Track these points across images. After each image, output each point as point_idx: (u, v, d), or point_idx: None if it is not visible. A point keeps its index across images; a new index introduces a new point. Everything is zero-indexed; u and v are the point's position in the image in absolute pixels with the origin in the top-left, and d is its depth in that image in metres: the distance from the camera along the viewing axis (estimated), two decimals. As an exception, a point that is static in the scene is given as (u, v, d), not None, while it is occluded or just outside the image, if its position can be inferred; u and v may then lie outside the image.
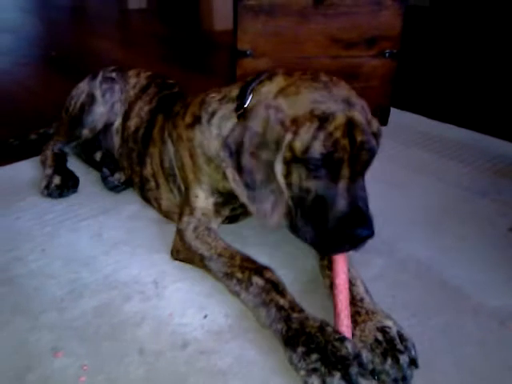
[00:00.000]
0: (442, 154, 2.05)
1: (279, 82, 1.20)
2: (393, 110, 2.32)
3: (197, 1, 4.67)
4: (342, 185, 1.09)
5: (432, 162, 1.99)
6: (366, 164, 1.13)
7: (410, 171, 1.90)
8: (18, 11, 5.54)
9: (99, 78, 1.82)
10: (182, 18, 5.02)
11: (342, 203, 1.08)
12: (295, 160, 1.10)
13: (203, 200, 1.37)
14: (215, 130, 1.33)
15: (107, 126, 1.80)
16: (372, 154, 1.12)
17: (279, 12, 2.08)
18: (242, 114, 1.24)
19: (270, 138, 1.12)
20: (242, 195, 1.17)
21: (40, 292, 1.25)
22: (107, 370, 1.02)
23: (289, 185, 1.14)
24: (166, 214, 1.56)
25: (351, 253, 1.22)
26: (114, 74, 1.84)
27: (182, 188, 1.46)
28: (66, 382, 1.00)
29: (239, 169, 1.16)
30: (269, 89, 1.20)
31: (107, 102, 1.78)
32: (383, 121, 2.28)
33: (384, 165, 1.89)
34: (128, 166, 1.70)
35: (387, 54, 2.14)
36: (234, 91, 1.32)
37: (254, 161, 1.14)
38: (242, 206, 1.39)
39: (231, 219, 1.46)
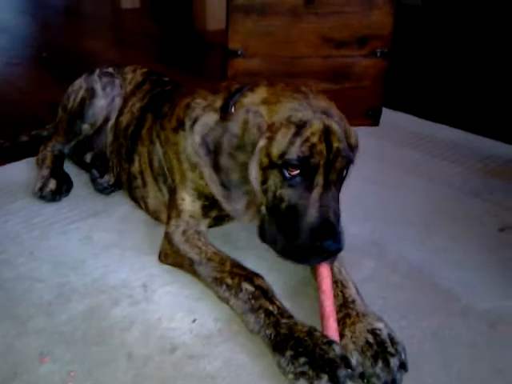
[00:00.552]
0: (434, 155, 2.05)
1: (262, 92, 1.23)
2: (384, 110, 2.32)
3: (190, 0, 4.65)
4: (315, 194, 1.10)
5: (424, 162, 1.99)
6: (341, 173, 1.15)
7: (402, 172, 1.90)
8: (11, 11, 5.49)
9: (97, 72, 1.80)
10: (175, 18, 5.00)
11: (312, 214, 1.09)
12: (271, 166, 1.13)
13: (190, 203, 1.36)
14: (198, 138, 1.32)
15: (104, 122, 1.77)
16: (348, 162, 1.15)
17: (270, 11, 2.07)
18: None
19: (247, 140, 1.15)
20: (217, 194, 1.21)
21: (28, 296, 1.23)
22: (95, 376, 1.01)
23: (264, 191, 1.16)
24: (154, 214, 1.55)
25: (342, 254, 1.22)
26: (111, 69, 1.83)
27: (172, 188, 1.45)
28: (52, 388, 0.99)
29: (216, 168, 1.19)
30: (252, 99, 1.22)
31: (108, 96, 1.75)
32: (375, 121, 2.28)
33: (375, 165, 1.90)
34: (117, 163, 1.69)
35: (378, 54, 2.14)
36: (219, 101, 1.32)
37: (231, 161, 1.17)
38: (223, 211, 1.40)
39: (217, 220, 1.45)
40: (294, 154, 1.09)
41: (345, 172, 1.19)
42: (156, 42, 4.15)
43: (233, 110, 1.25)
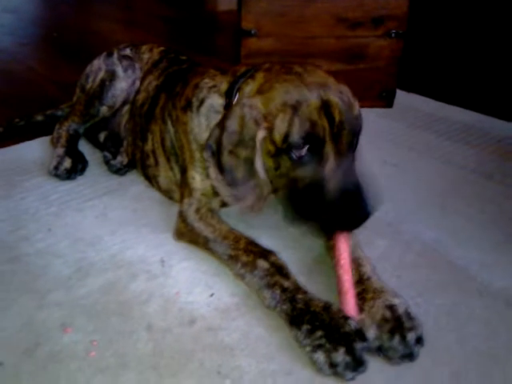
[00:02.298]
0: (448, 136, 2.04)
1: (259, 79, 1.21)
2: (398, 92, 2.30)
3: (200, -19, 4.61)
4: (329, 168, 1.09)
5: (437, 143, 1.98)
6: (350, 144, 1.13)
7: (416, 153, 1.89)
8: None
9: (115, 54, 1.79)
10: (185, -1, 4.95)
11: (331, 187, 1.08)
12: (278, 152, 1.12)
13: (200, 182, 1.37)
14: (204, 120, 1.34)
15: (122, 105, 1.77)
16: (354, 133, 1.13)
17: (285, -10, 2.05)
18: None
19: (246, 135, 1.14)
20: (225, 194, 1.21)
21: (47, 270, 1.25)
22: (116, 346, 1.04)
23: (278, 177, 1.15)
24: (166, 193, 1.56)
25: (357, 234, 1.24)
26: (128, 51, 1.82)
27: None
28: (75, 356, 1.01)
29: (220, 168, 1.19)
30: (250, 88, 1.22)
31: (129, 78, 1.73)
32: (389, 102, 2.27)
33: (389, 146, 1.89)
34: (132, 142, 1.69)
35: (393, 34, 2.12)
36: (224, 85, 1.32)
37: (233, 159, 1.17)
38: None
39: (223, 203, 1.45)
40: (295, 134, 1.08)
41: (354, 141, 1.16)
42: (167, 23, 4.13)
43: (236, 97, 1.25)
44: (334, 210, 1.08)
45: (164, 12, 4.52)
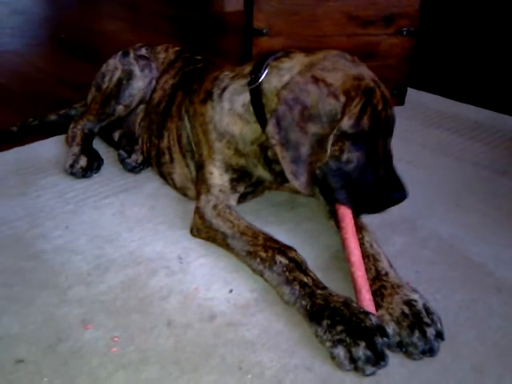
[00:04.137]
0: (460, 134, 2.04)
1: (300, 58, 1.24)
2: (409, 90, 2.30)
3: (207, -19, 4.61)
4: (380, 154, 1.17)
5: (450, 141, 1.98)
6: (392, 134, 1.22)
7: (429, 151, 1.89)
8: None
9: (132, 54, 1.80)
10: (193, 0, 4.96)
11: (381, 171, 1.17)
12: (343, 134, 1.15)
13: (218, 177, 1.37)
14: (227, 104, 1.34)
15: (138, 104, 1.78)
16: (394, 124, 1.22)
17: (295, -11, 2.05)
18: (257, 88, 1.26)
19: (322, 110, 1.13)
20: (288, 172, 1.18)
21: (66, 267, 1.26)
22: (137, 342, 1.04)
23: (330, 156, 1.17)
24: (181, 190, 1.57)
25: (373, 229, 1.27)
26: (144, 51, 1.82)
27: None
28: (97, 352, 1.02)
29: (287, 144, 1.16)
30: (291, 64, 1.23)
31: (146, 77, 1.74)
32: (400, 100, 2.27)
33: (402, 144, 1.89)
34: (147, 139, 1.70)
35: (405, 32, 2.11)
36: (247, 68, 1.34)
37: (301, 134, 1.15)
38: (253, 184, 1.42)
39: (241, 197, 1.45)
40: (365, 124, 1.14)
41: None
42: (173, 23, 4.14)
43: (265, 72, 1.25)
44: (380, 192, 1.17)
45: (170, 12, 4.53)
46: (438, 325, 1.02)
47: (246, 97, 1.30)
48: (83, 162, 1.67)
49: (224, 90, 1.36)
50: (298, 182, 1.18)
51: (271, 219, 1.46)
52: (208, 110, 1.38)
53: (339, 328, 0.99)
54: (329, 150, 1.15)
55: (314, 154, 1.16)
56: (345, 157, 1.17)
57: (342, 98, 1.12)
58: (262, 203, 1.52)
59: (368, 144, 1.16)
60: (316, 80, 1.14)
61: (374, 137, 1.16)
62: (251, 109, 1.30)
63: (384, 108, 1.16)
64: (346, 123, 1.13)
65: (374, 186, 1.17)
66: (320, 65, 1.18)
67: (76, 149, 1.72)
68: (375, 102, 1.14)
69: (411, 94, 2.32)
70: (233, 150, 1.35)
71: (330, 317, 1.01)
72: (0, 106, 2.26)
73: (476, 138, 2.00)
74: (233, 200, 1.39)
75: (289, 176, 1.19)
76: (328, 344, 0.99)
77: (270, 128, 1.17)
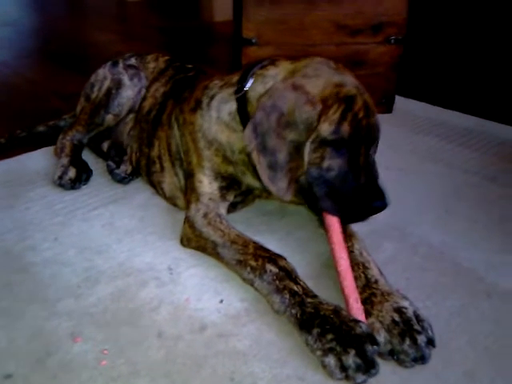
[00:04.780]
0: (449, 140, 2.06)
1: (285, 65, 1.25)
2: (397, 98, 2.32)
3: (196, -8, 4.65)
4: (360, 163, 1.17)
5: (439, 148, 2.00)
6: (376, 142, 1.22)
7: (418, 158, 1.91)
8: (16, 4, 5.49)
9: (121, 64, 1.80)
10: (182, 10, 4.99)
11: (362, 180, 1.16)
12: (322, 141, 1.15)
13: (207, 185, 1.37)
14: (214, 113, 1.35)
15: (127, 114, 1.78)
16: (379, 132, 1.22)
17: (284, -1, 2.07)
18: (243, 97, 1.28)
19: (298, 118, 1.14)
20: (264, 177, 1.19)
21: (55, 280, 1.25)
22: (127, 354, 1.03)
23: (309, 163, 1.18)
24: (170, 200, 1.56)
25: (363, 237, 1.28)
26: (133, 61, 1.83)
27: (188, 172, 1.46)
28: (87, 365, 1.01)
29: (263, 150, 1.18)
30: (276, 71, 1.24)
31: (135, 86, 1.75)
32: (388, 108, 2.29)
33: (391, 152, 1.91)
34: (137, 148, 1.70)
35: (393, 41, 2.14)
36: (235, 77, 1.35)
37: (278, 141, 1.16)
38: (243, 193, 1.43)
39: (231, 206, 1.45)
40: (346, 130, 1.13)
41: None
42: (162, 34, 4.15)
43: (251, 81, 1.26)
44: (360, 201, 1.16)
45: (160, 23, 4.55)
46: (429, 332, 1.02)
47: (232, 105, 1.31)
48: (72, 173, 1.66)
49: (212, 98, 1.37)
50: (276, 187, 1.19)
51: (262, 228, 1.46)
52: (197, 119, 1.38)
53: (329, 336, 0.99)
54: (306, 157, 1.16)
55: (293, 160, 1.16)
56: (326, 164, 1.17)
57: (319, 106, 1.13)
58: (252, 212, 1.52)
59: (349, 151, 1.16)
60: (295, 87, 1.15)
61: (356, 144, 1.16)
62: (237, 117, 1.31)
63: (366, 115, 1.16)
64: (326, 129, 1.13)
65: (354, 194, 1.16)
66: (302, 72, 1.19)
67: (65, 160, 1.71)
68: (356, 109, 1.14)
69: (399, 101, 2.35)
70: (221, 157, 1.36)
71: (320, 325, 1.01)
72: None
73: (465, 145, 2.02)
74: (223, 208, 1.38)
75: (265, 181, 1.20)
76: (318, 353, 0.99)
77: (247, 133, 1.19)
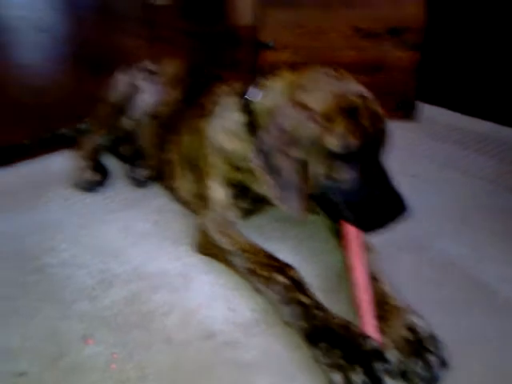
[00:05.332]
0: (466, 147, 2.03)
1: (286, 76, 1.22)
2: (419, 104, 2.29)
3: (222, -5, 4.66)
4: (374, 170, 1.14)
5: (457, 155, 1.96)
6: (384, 146, 1.18)
7: (436, 165, 1.88)
8: (52, 11, 5.61)
9: (138, 69, 1.82)
10: (208, 14, 5.01)
11: (379, 188, 1.13)
12: (331, 155, 1.12)
13: (218, 192, 1.38)
14: (220, 121, 1.36)
15: (145, 117, 1.79)
16: (388, 138, 1.17)
17: (301, 3, 2.07)
18: (246, 106, 1.27)
19: (302, 135, 1.12)
20: (274, 196, 1.18)
21: (71, 281, 1.28)
22: (136, 359, 1.05)
23: (321, 177, 1.15)
24: (185, 204, 1.58)
25: (378, 249, 1.25)
26: (151, 65, 1.85)
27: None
28: (97, 368, 1.03)
29: (270, 170, 1.16)
30: (277, 83, 1.22)
31: (151, 91, 1.76)
32: (406, 114, 2.25)
33: (408, 158, 1.88)
34: (154, 154, 1.72)
35: (410, 46, 2.11)
36: (241, 86, 1.35)
37: (284, 159, 1.14)
38: (254, 200, 1.42)
39: (244, 213, 1.44)
40: (353, 144, 1.10)
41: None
42: (189, 38, 4.18)
43: (255, 91, 1.26)
44: (380, 208, 1.13)
45: (187, 27, 4.58)
46: (442, 352, 0.99)
47: (238, 115, 1.31)
48: (91, 176, 1.70)
49: (218, 105, 1.38)
50: (287, 206, 1.17)
51: (274, 235, 1.46)
52: (205, 126, 1.40)
53: (337, 352, 0.97)
54: (316, 173, 1.13)
55: (302, 178, 1.14)
56: (339, 176, 1.13)
57: (322, 121, 1.10)
58: (265, 218, 1.52)
59: (360, 162, 1.13)
60: (295, 104, 1.13)
61: (365, 154, 1.13)
62: (244, 127, 1.30)
63: (372, 123, 1.12)
64: (333, 144, 1.10)
65: (372, 204, 1.13)
66: (301, 85, 1.16)
67: (84, 163, 1.75)
68: (361, 118, 1.11)
69: (420, 107, 2.31)
70: (229, 165, 1.36)
71: (328, 340, 1.00)
72: (13, 120, 2.31)
73: (482, 151, 1.98)
74: (234, 216, 1.39)
75: (275, 201, 1.19)
76: (325, 368, 0.98)
77: (254, 159, 1.19)
